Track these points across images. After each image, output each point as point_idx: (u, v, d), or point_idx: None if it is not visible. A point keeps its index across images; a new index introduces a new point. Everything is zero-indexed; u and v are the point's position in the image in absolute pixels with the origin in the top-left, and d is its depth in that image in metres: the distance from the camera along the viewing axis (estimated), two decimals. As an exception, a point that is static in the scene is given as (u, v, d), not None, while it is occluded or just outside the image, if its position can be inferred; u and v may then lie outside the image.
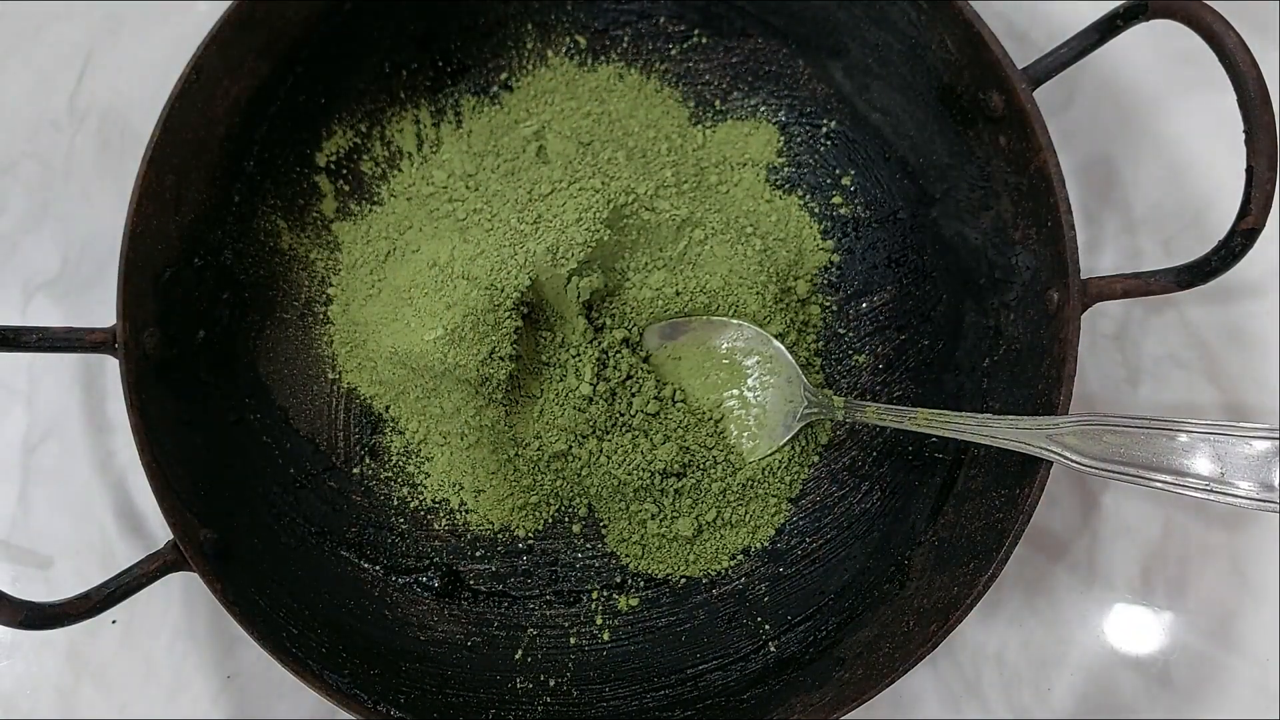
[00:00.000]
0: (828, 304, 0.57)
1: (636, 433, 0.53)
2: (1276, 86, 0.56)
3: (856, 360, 0.56)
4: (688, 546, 0.54)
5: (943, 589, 0.48)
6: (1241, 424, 0.39)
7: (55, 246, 0.58)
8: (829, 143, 0.58)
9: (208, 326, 0.52)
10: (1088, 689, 0.54)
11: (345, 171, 0.57)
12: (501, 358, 0.51)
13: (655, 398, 0.54)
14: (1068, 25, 0.58)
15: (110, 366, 0.57)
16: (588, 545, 0.55)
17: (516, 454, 0.54)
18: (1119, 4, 0.46)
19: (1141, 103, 0.59)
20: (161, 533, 0.55)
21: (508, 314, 0.51)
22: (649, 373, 0.54)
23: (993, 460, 0.49)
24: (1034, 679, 0.54)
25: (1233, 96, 0.43)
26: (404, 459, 0.56)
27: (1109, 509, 0.55)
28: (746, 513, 0.55)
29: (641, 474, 0.53)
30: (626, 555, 0.54)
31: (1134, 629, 0.54)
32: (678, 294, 0.54)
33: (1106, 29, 0.47)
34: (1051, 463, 0.45)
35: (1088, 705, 0.54)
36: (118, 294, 0.47)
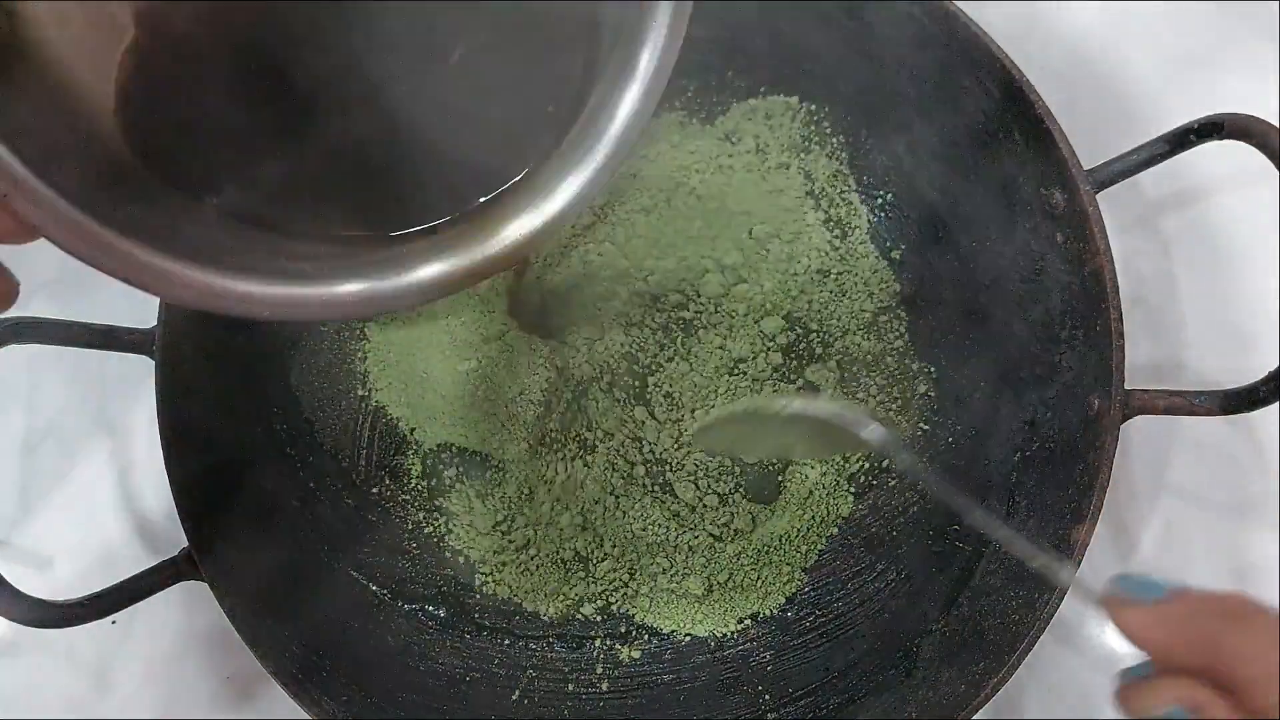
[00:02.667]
0: (864, 377, 0.56)
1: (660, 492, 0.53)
2: (1277, 87, 0.56)
3: (887, 437, 0.56)
4: (697, 605, 0.54)
5: (949, 684, 0.47)
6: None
7: (55, 245, 0.58)
8: (883, 214, 0.57)
9: (244, 333, 0.52)
10: (1087, 688, 0.53)
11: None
12: (530, 401, 0.51)
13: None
14: (1068, 25, 0.58)
15: (111, 367, 0.57)
16: (597, 592, 0.55)
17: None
18: (1193, 120, 0.45)
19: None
20: (163, 534, 0.55)
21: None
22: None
23: (1014, 559, 0.49)
24: None
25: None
26: (423, 483, 0.56)
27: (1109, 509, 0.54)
28: (759, 577, 0.54)
29: (658, 530, 0.53)
30: (634, 606, 0.54)
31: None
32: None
33: (1178, 143, 0.46)
34: (1076, 567, 0.44)
35: (1087, 706, 0.53)
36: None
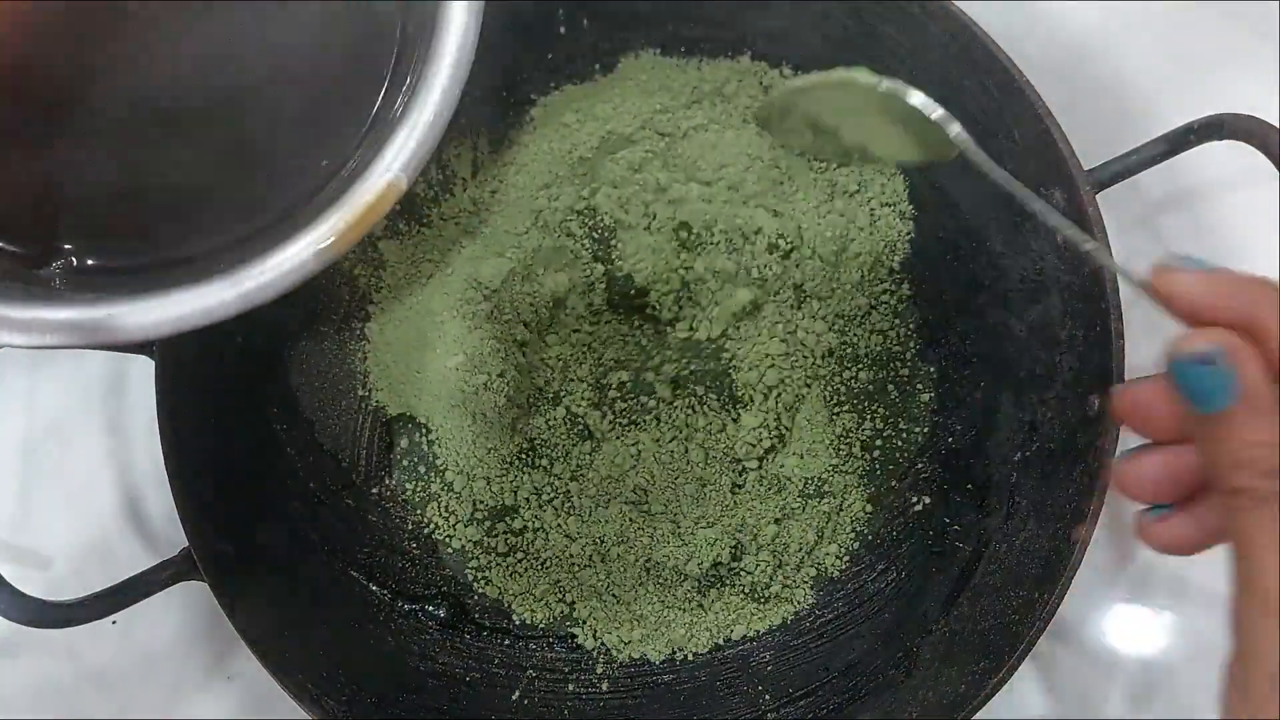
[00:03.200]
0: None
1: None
2: (1277, 88, 0.56)
3: (886, 437, 0.56)
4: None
5: (949, 684, 0.47)
6: None
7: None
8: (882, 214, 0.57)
9: (245, 333, 0.52)
10: (1087, 688, 0.53)
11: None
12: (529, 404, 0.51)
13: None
14: (1068, 27, 0.58)
15: (112, 367, 0.57)
16: (597, 592, 0.55)
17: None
18: (1193, 120, 0.46)
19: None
20: (163, 534, 0.55)
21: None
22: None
23: (1014, 559, 0.49)
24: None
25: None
26: (422, 483, 0.56)
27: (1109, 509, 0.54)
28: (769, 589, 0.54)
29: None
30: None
31: (1134, 629, 0.54)
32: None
33: (1178, 143, 0.46)
34: (1073, 572, 0.44)
35: (1087, 706, 0.53)
36: (161, 296, 0.47)
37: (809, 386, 0.55)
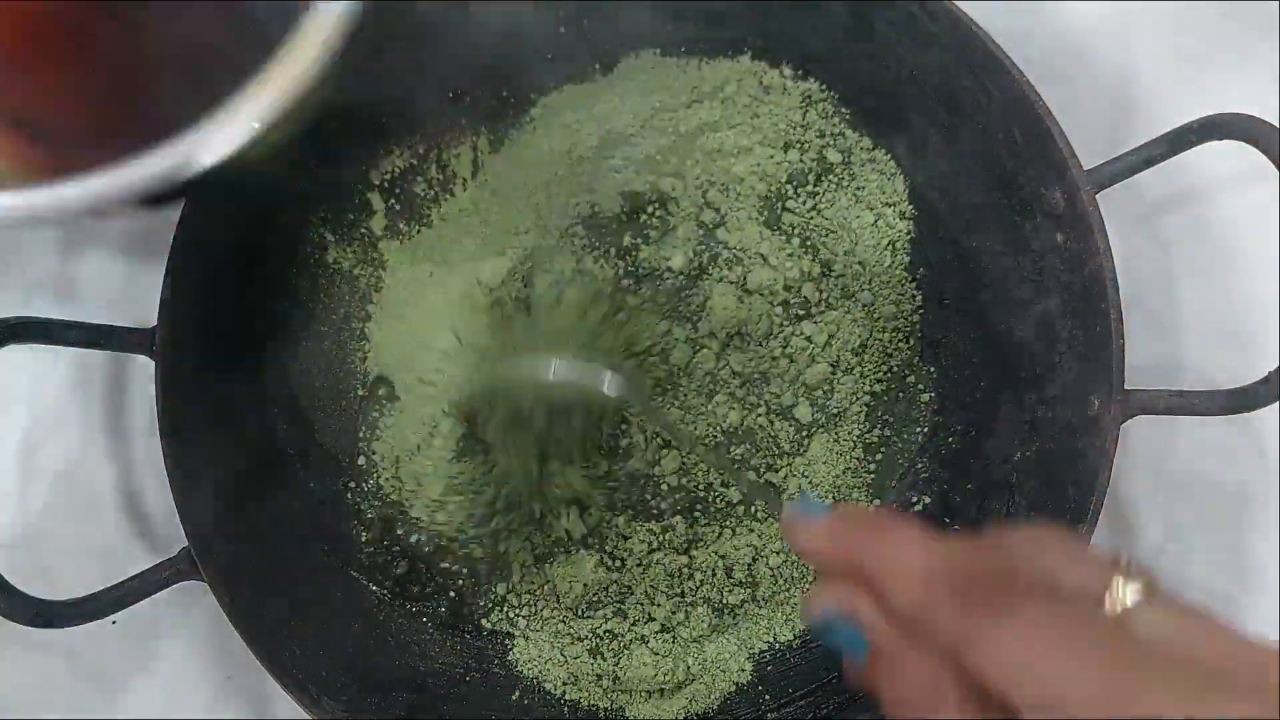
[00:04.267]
0: (864, 377, 0.56)
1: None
2: (1277, 88, 0.56)
3: (887, 437, 0.56)
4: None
5: (949, 684, 0.47)
6: None
7: (55, 246, 0.58)
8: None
9: (245, 333, 0.52)
10: None
11: (398, 190, 0.57)
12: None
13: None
14: (1069, 25, 0.58)
15: (112, 367, 0.57)
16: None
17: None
18: (1193, 120, 0.46)
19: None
20: (163, 534, 0.55)
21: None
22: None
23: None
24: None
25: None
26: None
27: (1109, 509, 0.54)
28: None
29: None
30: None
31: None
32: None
33: (1178, 143, 0.46)
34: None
35: None
36: (161, 296, 0.47)
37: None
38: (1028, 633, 0.27)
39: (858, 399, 0.55)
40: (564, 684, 0.52)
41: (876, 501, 0.55)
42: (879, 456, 0.55)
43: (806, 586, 0.53)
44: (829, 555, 0.33)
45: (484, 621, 0.54)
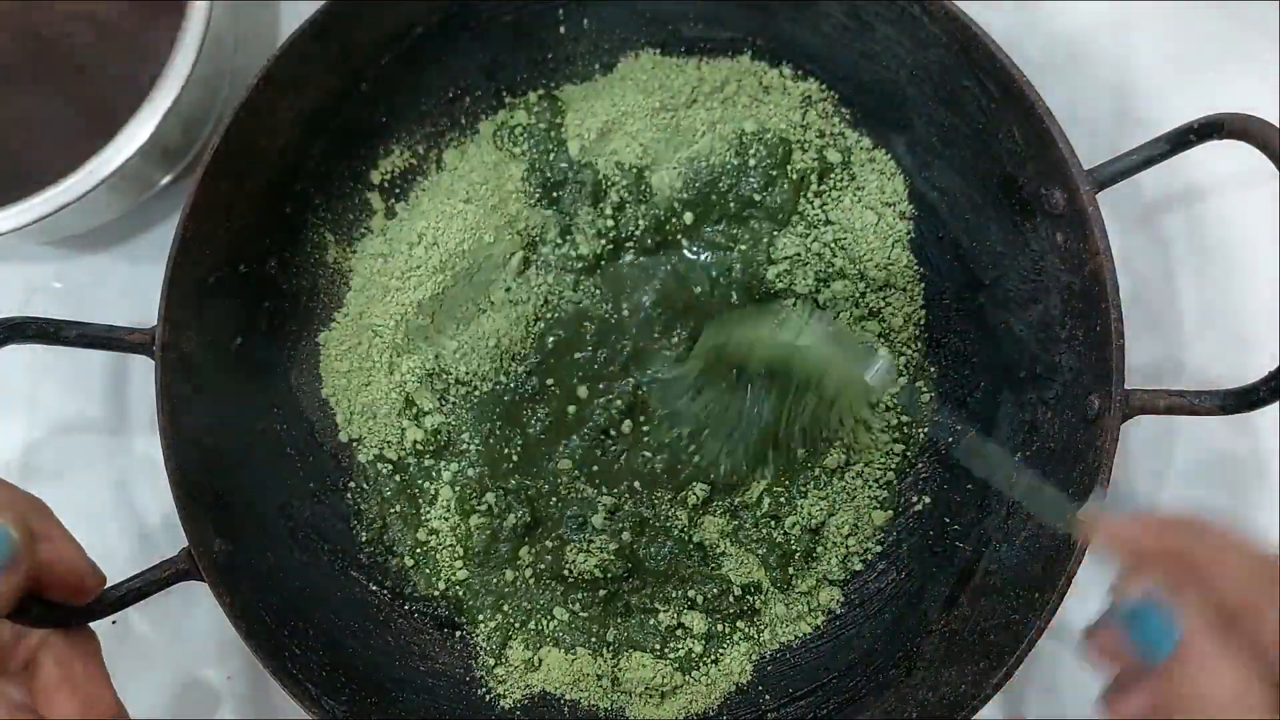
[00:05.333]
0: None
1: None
2: (1277, 88, 0.56)
3: (887, 437, 0.56)
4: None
5: (949, 684, 0.47)
6: None
7: (54, 246, 0.58)
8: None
9: (245, 334, 0.52)
10: (1087, 688, 0.53)
11: (398, 190, 0.57)
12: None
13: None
14: (1068, 27, 0.58)
15: (112, 367, 0.57)
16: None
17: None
18: (1193, 120, 0.45)
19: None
20: (162, 535, 0.55)
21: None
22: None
23: (1014, 558, 0.49)
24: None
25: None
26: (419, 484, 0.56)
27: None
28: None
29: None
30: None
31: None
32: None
33: (1178, 143, 0.46)
34: (1073, 573, 0.44)
35: (1087, 706, 0.52)
36: (161, 296, 0.47)
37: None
38: None
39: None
40: (564, 684, 0.52)
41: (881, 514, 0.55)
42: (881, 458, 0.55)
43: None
44: (1151, 544, 0.31)
45: (484, 621, 0.54)
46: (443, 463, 0.55)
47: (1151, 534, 0.32)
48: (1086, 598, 0.53)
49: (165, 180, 0.56)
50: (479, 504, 0.54)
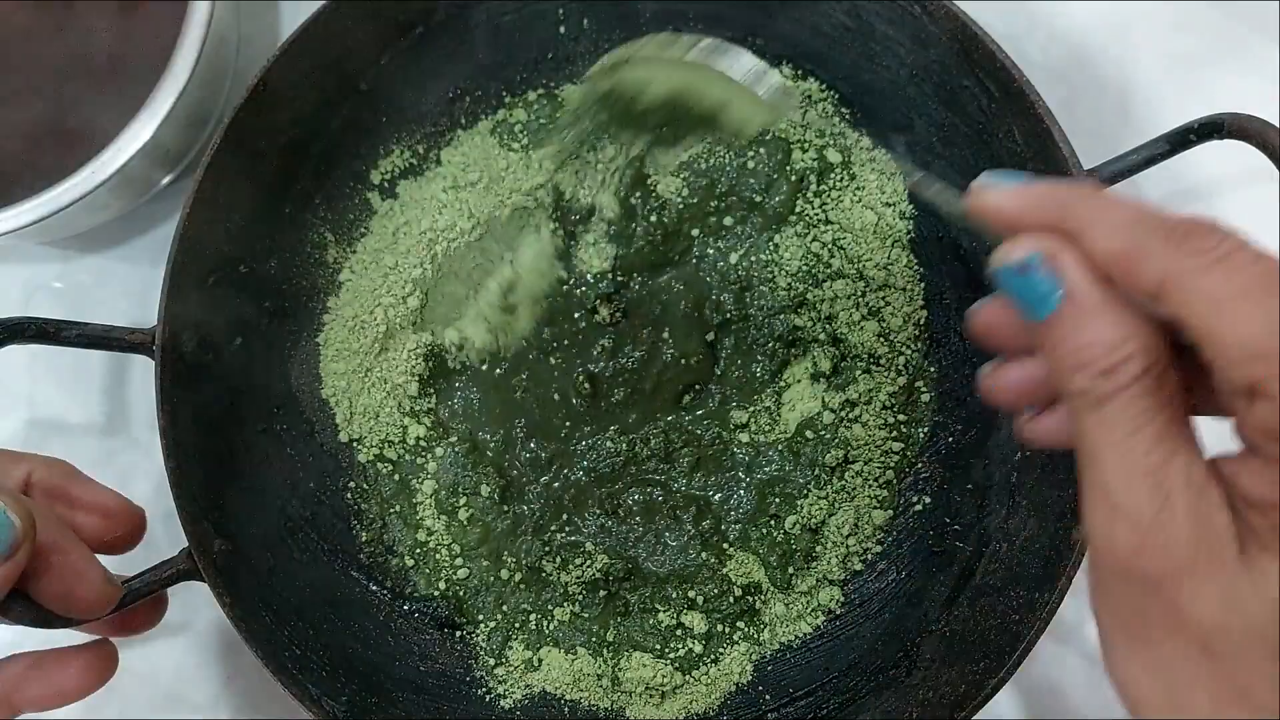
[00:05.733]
0: (864, 377, 0.56)
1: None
2: (1277, 88, 0.56)
3: (887, 437, 0.56)
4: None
5: (950, 684, 0.47)
6: None
7: (54, 246, 0.58)
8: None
9: (245, 334, 0.52)
10: (1087, 688, 0.53)
11: (398, 190, 0.57)
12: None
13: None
14: (1068, 27, 0.58)
15: (112, 367, 0.57)
16: (597, 592, 0.55)
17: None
18: (1193, 120, 0.45)
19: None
20: (160, 535, 0.55)
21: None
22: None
23: (1015, 559, 0.49)
24: None
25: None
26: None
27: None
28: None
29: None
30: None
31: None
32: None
33: (1178, 143, 0.46)
34: (1073, 573, 0.44)
35: (1087, 706, 0.53)
36: (161, 296, 0.47)
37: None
38: (1238, 278, 0.27)
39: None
40: (564, 684, 0.52)
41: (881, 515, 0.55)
42: (880, 459, 0.55)
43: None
44: (1030, 212, 0.31)
45: (484, 621, 0.54)
46: (442, 460, 0.55)
47: (1028, 199, 0.31)
48: (1086, 597, 0.54)
49: (165, 180, 0.56)
50: (475, 500, 0.54)
